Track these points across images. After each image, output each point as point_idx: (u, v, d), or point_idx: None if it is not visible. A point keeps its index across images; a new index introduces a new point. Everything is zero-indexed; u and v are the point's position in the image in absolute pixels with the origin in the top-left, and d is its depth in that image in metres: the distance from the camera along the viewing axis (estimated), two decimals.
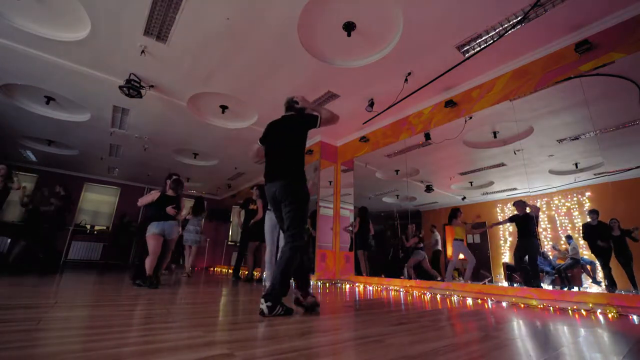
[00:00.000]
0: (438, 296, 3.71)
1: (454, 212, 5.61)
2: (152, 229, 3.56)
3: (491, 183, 7.11)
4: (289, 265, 1.99)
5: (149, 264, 3.44)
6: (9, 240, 5.49)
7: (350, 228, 6.09)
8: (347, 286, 4.91)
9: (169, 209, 3.66)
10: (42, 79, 4.44)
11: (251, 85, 4.47)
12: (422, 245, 6.46)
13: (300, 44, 3.56)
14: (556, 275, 5.33)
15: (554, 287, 4.79)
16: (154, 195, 3.78)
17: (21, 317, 1.55)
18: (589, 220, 4.56)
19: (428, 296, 3.74)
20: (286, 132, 2.29)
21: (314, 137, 6.32)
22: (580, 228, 5.69)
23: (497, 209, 7.91)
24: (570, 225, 5.95)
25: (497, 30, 3.28)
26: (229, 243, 10.29)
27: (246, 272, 5.38)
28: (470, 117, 4.31)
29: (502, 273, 6.98)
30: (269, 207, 3.91)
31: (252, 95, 4.75)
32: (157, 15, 3.22)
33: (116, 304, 2.17)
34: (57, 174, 9.00)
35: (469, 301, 3.31)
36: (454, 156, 6.02)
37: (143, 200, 3.78)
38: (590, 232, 4.54)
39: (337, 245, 5.99)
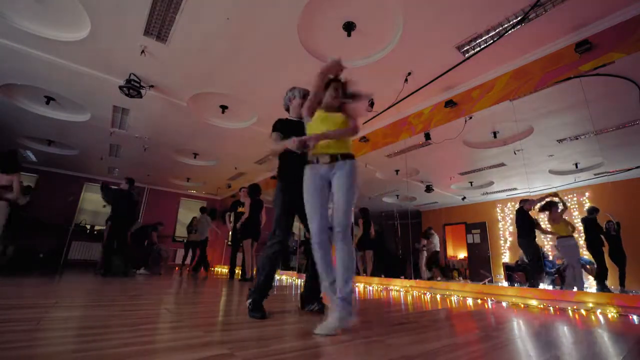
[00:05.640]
0: (438, 296, 3.71)
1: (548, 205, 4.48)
2: None
3: (491, 183, 7.11)
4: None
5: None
6: None
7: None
8: None
9: None
10: (42, 79, 4.43)
11: (251, 85, 4.47)
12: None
13: (300, 44, 3.56)
14: (556, 275, 5.33)
15: (554, 287, 4.79)
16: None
17: (21, 317, 1.55)
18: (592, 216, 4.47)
19: (428, 296, 3.74)
20: None
21: None
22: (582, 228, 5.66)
23: (497, 209, 7.91)
24: None
25: (497, 30, 3.27)
26: (229, 244, 10.29)
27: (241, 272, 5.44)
28: (470, 117, 4.30)
29: (502, 273, 6.98)
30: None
31: (252, 95, 4.75)
32: (157, 15, 3.22)
33: (116, 303, 2.17)
34: (57, 174, 8.99)
35: (469, 301, 3.31)
36: (454, 156, 6.02)
37: None
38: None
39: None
